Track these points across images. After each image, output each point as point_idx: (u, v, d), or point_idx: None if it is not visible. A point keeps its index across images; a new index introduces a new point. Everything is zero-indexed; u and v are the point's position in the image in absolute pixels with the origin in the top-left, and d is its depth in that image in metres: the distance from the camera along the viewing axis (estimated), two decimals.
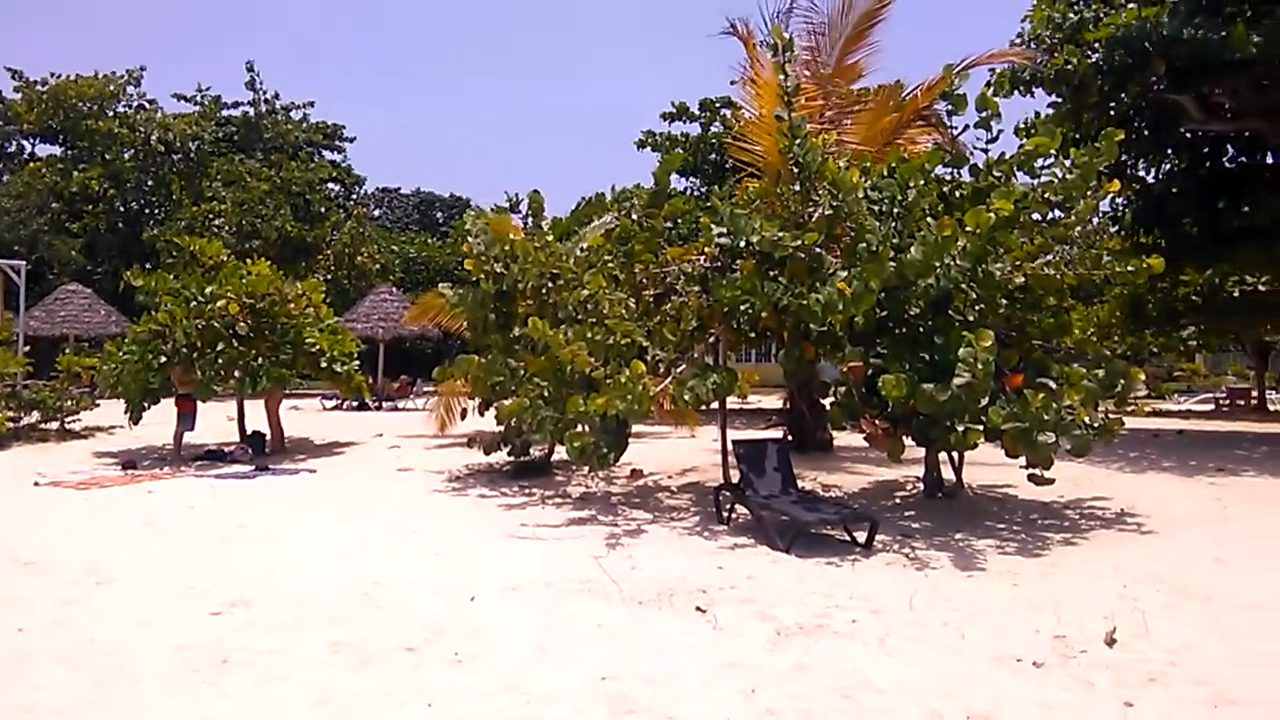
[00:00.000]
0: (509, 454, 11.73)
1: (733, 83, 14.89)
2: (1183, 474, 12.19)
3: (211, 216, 34.76)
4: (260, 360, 13.83)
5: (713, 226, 9.31)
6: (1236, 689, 4.34)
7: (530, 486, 10.93)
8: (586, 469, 11.46)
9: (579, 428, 8.74)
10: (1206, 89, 15.25)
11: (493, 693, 4.33)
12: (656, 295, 10.52)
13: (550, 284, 10.71)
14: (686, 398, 8.62)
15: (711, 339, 10.11)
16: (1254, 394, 29.29)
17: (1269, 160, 17.55)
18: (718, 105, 29.34)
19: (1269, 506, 9.64)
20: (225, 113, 41.98)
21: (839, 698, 4.23)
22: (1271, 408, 28.27)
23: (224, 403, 16.64)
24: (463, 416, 13.77)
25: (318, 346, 14.39)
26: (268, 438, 14.85)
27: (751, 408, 24.43)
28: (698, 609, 5.67)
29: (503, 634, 5.21)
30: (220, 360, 13.48)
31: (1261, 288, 22.31)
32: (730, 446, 9.43)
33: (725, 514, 8.86)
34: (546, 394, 9.27)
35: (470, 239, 11.01)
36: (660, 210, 11.02)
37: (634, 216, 10.93)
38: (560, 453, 11.67)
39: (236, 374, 13.92)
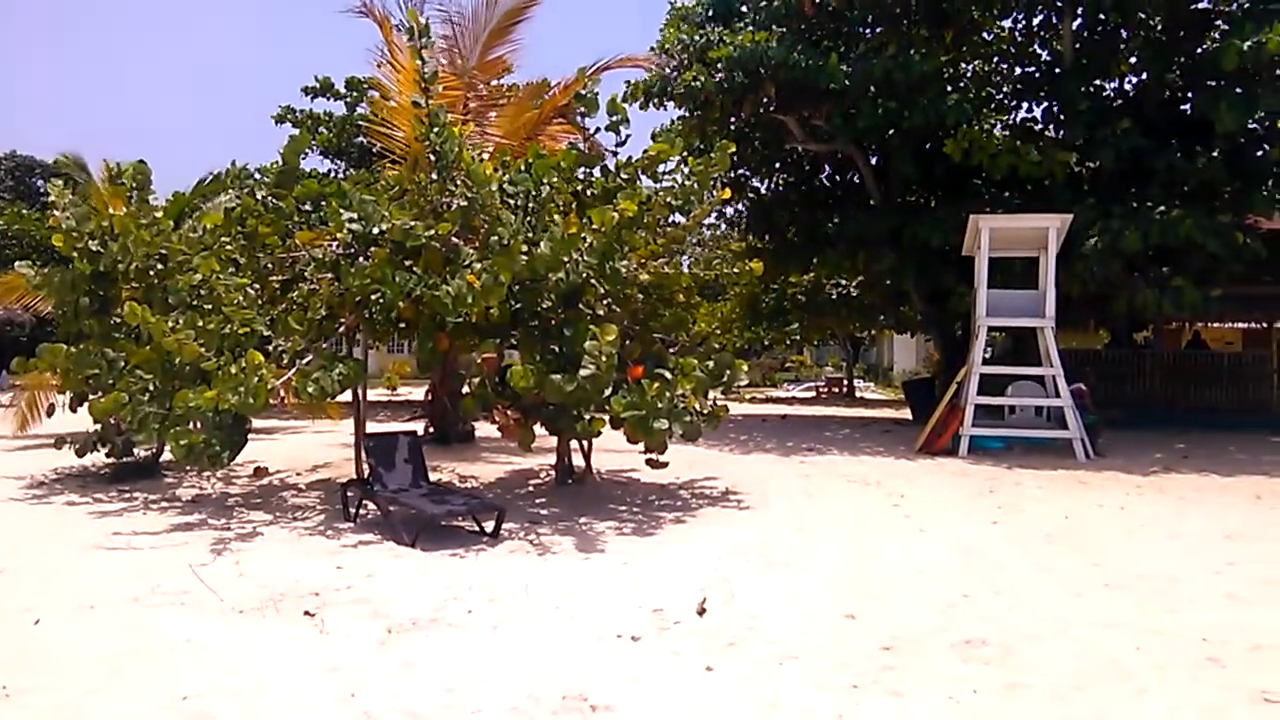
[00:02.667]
0: (107, 455, 10.41)
1: (379, 65, 14.41)
2: (781, 454, 13.75)
3: None
4: None
5: (342, 212, 8.92)
6: (800, 646, 4.89)
7: (132, 491, 9.78)
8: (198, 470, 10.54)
9: (190, 424, 7.96)
10: (807, 112, 17.30)
11: None
12: (283, 282, 9.86)
13: (159, 266, 9.66)
14: (310, 390, 8.16)
15: (341, 329, 9.68)
16: (846, 382, 33.96)
17: (856, 180, 20.33)
18: (365, 86, 27.97)
19: (843, 481, 11.12)
20: None
21: (441, 691, 4.21)
22: (858, 394, 32.92)
23: None
24: (49, 414, 12.03)
25: None
26: None
27: (400, 399, 23.96)
28: (306, 613, 5.38)
29: (69, 659, 4.58)
30: None
31: (853, 290, 25.84)
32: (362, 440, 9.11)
33: (353, 511, 8.53)
34: (152, 388, 8.35)
35: (58, 213, 9.61)
36: (289, 191, 10.33)
37: (258, 195, 10.16)
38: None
39: None
